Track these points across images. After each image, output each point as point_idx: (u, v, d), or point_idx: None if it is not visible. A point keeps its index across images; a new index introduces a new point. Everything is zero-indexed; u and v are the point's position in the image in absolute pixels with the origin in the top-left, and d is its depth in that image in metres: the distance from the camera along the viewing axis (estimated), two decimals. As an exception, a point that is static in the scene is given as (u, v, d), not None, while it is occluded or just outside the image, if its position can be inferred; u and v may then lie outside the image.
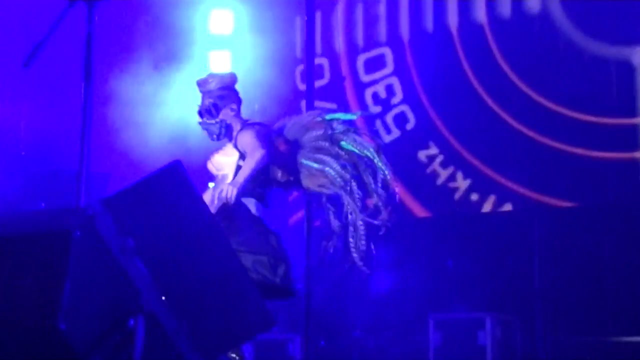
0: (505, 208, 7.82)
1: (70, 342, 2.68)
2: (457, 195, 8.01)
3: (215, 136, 5.07)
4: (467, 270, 7.91)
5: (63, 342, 2.67)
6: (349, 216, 4.96)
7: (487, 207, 7.87)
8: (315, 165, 5.04)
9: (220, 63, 8.30)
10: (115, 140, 7.42)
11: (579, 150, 7.52)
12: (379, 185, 4.97)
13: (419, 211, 8.21)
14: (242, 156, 4.92)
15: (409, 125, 8.28)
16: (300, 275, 5.61)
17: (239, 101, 5.16)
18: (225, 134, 5.07)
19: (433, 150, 8.14)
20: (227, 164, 4.99)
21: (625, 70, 7.41)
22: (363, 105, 8.38)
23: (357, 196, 4.97)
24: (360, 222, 4.94)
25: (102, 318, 2.79)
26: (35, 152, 8.19)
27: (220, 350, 3.05)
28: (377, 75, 8.47)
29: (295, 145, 5.10)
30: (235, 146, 4.97)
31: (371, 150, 5.00)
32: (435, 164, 8.12)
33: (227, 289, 2.99)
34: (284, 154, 5.06)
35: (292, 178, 5.08)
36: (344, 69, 8.51)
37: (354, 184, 4.99)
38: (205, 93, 5.09)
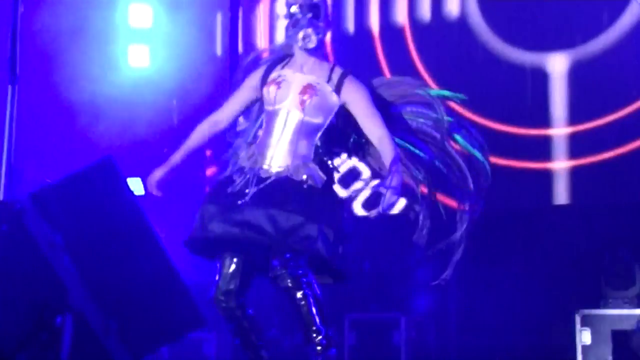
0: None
1: (-4, 341, 2.60)
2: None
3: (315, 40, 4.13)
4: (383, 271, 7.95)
5: (-12, 341, 2.59)
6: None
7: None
8: (412, 149, 4.28)
9: (139, 57, 8.24)
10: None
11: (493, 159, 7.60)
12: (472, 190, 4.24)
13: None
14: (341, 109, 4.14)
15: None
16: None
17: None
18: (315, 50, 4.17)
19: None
20: (323, 109, 4.16)
21: (540, 78, 7.52)
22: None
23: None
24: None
25: (28, 316, 2.71)
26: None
27: (149, 350, 3.00)
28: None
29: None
30: (338, 91, 4.14)
31: (477, 152, 4.31)
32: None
33: (157, 287, 2.94)
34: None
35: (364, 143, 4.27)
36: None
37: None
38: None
